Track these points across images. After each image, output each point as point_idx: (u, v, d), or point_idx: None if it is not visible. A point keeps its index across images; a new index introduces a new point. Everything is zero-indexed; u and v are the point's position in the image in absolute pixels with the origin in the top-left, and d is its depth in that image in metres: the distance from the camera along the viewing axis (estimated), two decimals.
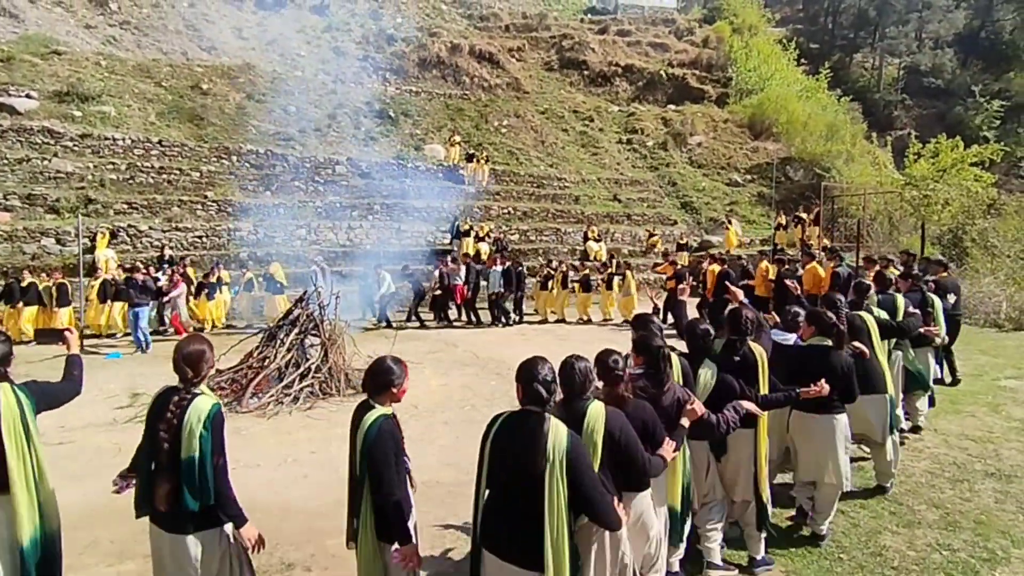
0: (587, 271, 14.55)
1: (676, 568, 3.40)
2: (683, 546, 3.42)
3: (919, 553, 3.82)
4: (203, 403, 2.56)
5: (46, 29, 20.53)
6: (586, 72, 31.34)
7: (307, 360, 7.50)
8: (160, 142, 17.34)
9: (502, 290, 13.22)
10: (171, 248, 14.60)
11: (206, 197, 16.45)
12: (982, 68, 38.49)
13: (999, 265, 14.78)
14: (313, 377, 7.37)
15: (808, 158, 25.97)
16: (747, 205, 24.58)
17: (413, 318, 13.23)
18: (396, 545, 2.61)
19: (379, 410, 2.69)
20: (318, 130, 21.14)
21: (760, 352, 3.65)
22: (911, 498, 4.57)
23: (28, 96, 16.77)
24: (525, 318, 14.04)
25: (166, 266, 13.10)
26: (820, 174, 24.28)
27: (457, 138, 22.36)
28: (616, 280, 13.93)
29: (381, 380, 2.74)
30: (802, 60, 33.87)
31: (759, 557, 3.66)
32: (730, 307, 4.14)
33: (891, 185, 22.42)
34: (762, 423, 3.56)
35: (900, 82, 38.99)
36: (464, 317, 13.61)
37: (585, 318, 14.00)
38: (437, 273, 13.64)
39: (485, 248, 17.42)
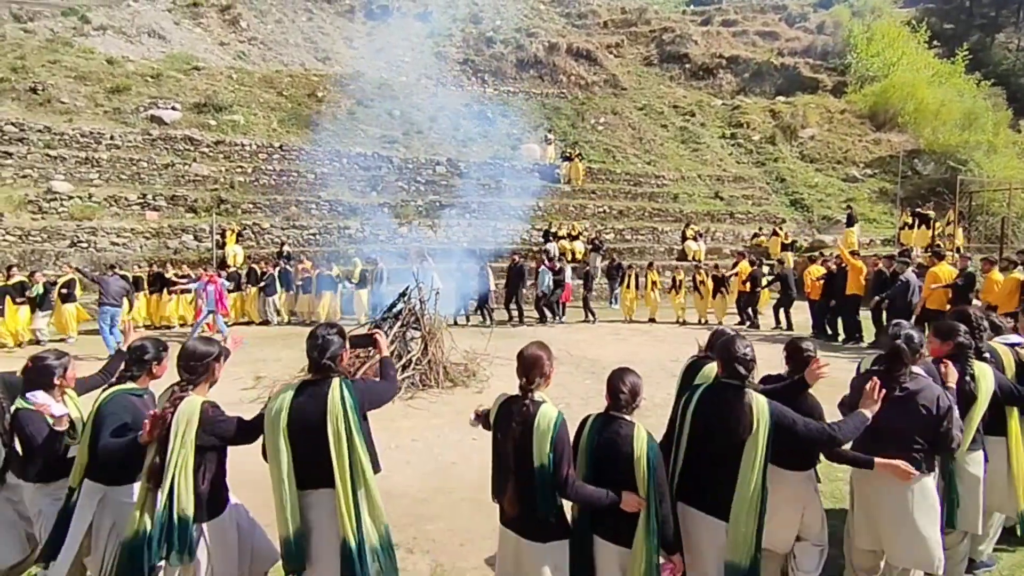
0: (700, 276, 14.05)
1: None
2: None
3: None
4: (550, 411, 2.50)
5: (188, 48, 22.94)
6: (687, 65, 30.26)
7: (408, 352, 7.85)
8: (281, 147, 18.84)
9: (550, 290, 13.33)
10: (289, 245, 15.82)
11: (319, 197, 17.66)
12: None
13: None
14: (414, 369, 7.70)
15: (940, 150, 23.44)
16: (866, 202, 22.61)
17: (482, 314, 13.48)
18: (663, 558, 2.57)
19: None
20: (420, 132, 22.02)
21: None
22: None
23: (173, 108, 18.85)
24: (609, 317, 13.85)
25: (282, 261, 14.20)
26: (955, 167, 21.81)
27: (552, 136, 22.41)
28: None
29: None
30: (934, 43, 30.59)
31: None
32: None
33: None
34: None
35: None
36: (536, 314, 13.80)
37: (681, 320, 13.62)
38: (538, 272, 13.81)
39: (580, 247, 17.36)
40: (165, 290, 12.62)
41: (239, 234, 15.53)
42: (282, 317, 13.44)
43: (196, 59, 22.22)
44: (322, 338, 2.72)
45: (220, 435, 2.66)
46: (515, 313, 13.52)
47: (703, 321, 13.38)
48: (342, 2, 28.74)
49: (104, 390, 2.97)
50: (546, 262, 13.91)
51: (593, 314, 13.73)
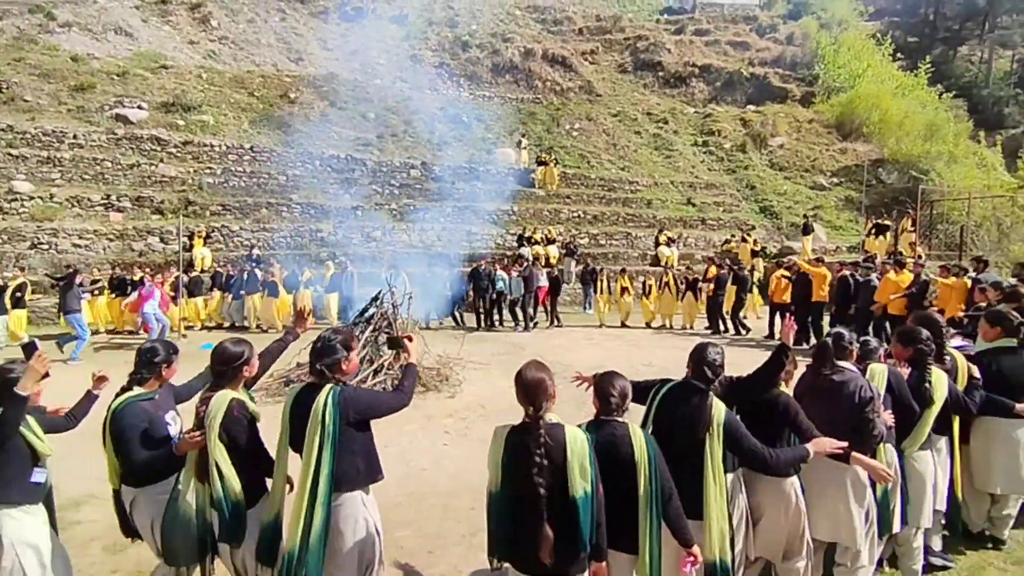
0: (666, 278, 14.24)
1: None
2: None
3: None
4: (578, 434, 2.34)
5: (156, 46, 22.42)
6: (661, 74, 30.70)
7: (380, 357, 7.74)
8: (252, 148, 18.51)
9: (521, 295, 13.25)
10: (259, 248, 15.52)
11: (291, 200, 17.39)
12: None
13: None
14: (386, 374, 7.59)
15: (903, 160, 24.18)
16: (833, 210, 23.19)
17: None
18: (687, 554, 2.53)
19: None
20: (395, 135, 21.88)
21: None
22: (1022, 533, 4.14)
23: (139, 107, 18.38)
24: (583, 322, 13.93)
25: (252, 264, 13.93)
26: (917, 177, 22.53)
27: (526, 142, 22.47)
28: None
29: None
30: (899, 55, 31.60)
31: None
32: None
33: (1001, 188, 20.52)
34: None
35: (1013, 76, 35.63)
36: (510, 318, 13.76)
37: (651, 323, 13.76)
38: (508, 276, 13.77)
39: (554, 251, 17.41)
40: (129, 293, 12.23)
41: (207, 237, 15.19)
42: (246, 323, 13.01)
43: (164, 57, 21.73)
44: (322, 343, 2.75)
45: (232, 436, 2.71)
46: (483, 317, 13.48)
47: (669, 325, 13.52)
48: (316, 3, 28.45)
49: (116, 395, 2.95)
50: (516, 266, 13.90)
51: (558, 319, 13.71)
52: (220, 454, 2.67)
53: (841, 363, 3.23)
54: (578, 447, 2.27)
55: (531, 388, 2.33)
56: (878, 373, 3.35)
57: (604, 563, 2.39)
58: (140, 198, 15.75)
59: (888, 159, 24.80)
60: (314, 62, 25.63)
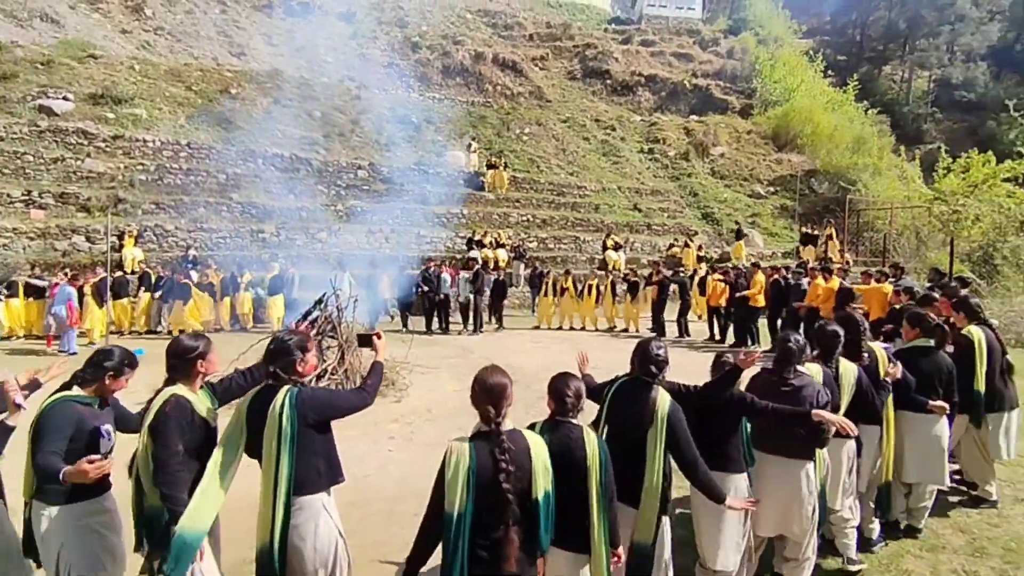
0: (595, 280, 14.52)
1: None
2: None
3: None
4: (535, 437, 2.34)
5: (84, 34, 21.18)
6: (609, 81, 31.36)
7: (324, 361, 7.55)
8: (188, 144, 17.71)
9: (470, 297, 13.22)
10: (196, 249, 14.87)
11: (231, 199, 16.74)
12: (1017, 82, 37.67)
13: None
14: (330, 378, 7.41)
15: (833, 171, 25.61)
16: (769, 217, 24.28)
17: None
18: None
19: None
20: (342, 135, 21.44)
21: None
22: (936, 522, 4.43)
23: (65, 98, 17.28)
24: (533, 324, 14.05)
25: (188, 265, 13.34)
26: (845, 187, 23.90)
27: (476, 145, 22.49)
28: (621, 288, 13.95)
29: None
30: (829, 72, 33.48)
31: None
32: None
33: (919, 200, 21.99)
34: None
35: (930, 95, 38.36)
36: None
37: (593, 326, 13.95)
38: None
39: (503, 255, 17.45)
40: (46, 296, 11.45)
41: (138, 236, 14.43)
42: (170, 326, 12.35)
43: (94, 47, 20.53)
44: (276, 344, 2.69)
45: (156, 438, 2.52)
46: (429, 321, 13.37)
47: (612, 327, 13.76)
48: None
49: (52, 394, 2.69)
50: (465, 269, 13.85)
51: (500, 322, 13.71)
52: (142, 459, 2.49)
53: (799, 368, 3.35)
54: (540, 450, 2.29)
55: (494, 393, 2.28)
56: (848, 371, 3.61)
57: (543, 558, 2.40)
58: (64, 195, 14.79)
59: (820, 170, 26.19)
60: (257, 57, 24.84)
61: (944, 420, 4.21)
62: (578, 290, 14.17)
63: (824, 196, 25.01)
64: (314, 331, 7.63)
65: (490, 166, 21.21)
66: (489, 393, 2.28)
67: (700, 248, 19.26)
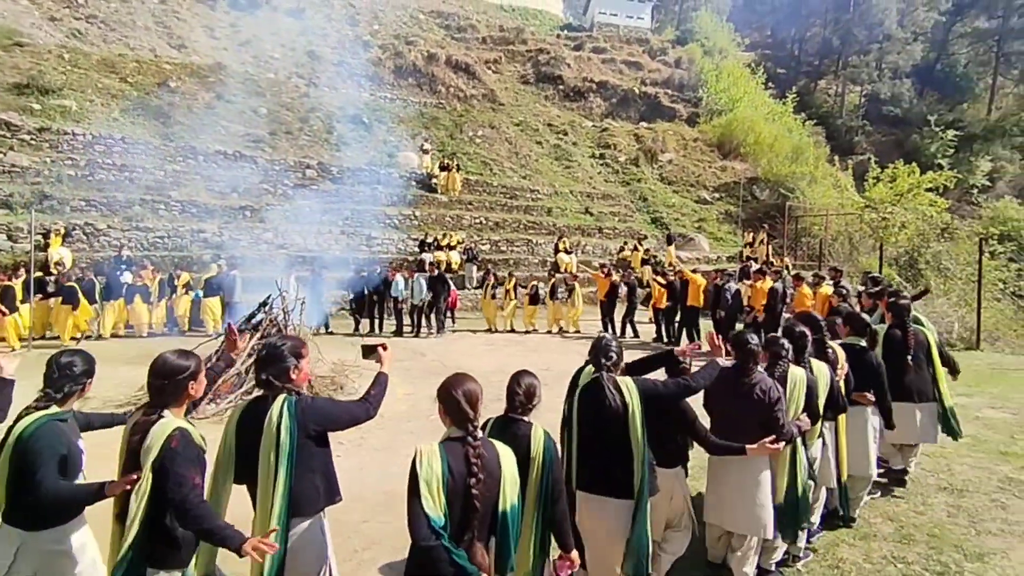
0: (536, 282, 14.64)
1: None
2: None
3: (875, 566, 3.88)
4: (504, 448, 2.29)
5: (10, 21, 19.81)
6: (561, 87, 31.71)
7: None
8: (123, 139, 16.83)
9: (428, 298, 13.10)
10: (130, 248, 14.13)
11: (169, 197, 16.00)
12: (937, 99, 40.36)
13: (951, 287, 15.37)
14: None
15: (774, 179, 26.69)
16: (715, 222, 25.10)
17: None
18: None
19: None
20: (289, 133, 20.85)
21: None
22: (867, 511, 4.66)
23: None
24: (467, 326, 14.07)
25: (123, 266, 12.67)
26: (785, 195, 24.98)
27: (429, 146, 22.30)
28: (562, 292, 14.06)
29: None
30: (769, 84, 34.93)
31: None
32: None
33: (852, 207, 23.20)
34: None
35: (861, 109, 40.55)
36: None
37: (532, 328, 14.01)
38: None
39: (456, 257, 17.37)
40: None
41: (66, 235, 13.58)
42: (100, 330, 11.61)
43: (19, 33, 19.23)
44: (268, 350, 2.51)
45: (164, 476, 2.21)
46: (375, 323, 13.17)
47: (554, 330, 13.84)
48: None
49: (22, 415, 2.43)
50: (420, 272, 13.71)
51: (442, 325, 13.54)
52: (139, 498, 2.17)
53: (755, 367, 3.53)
54: (510, 461, 2.25)
55: (471, 400, 2.26)
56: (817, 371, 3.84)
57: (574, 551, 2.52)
58: None
59: (761, 177, 27.25)
60: (199, 50, 23.83)
61: (870, 412, 4.48)
62: (518, 293, 14.19)
63: (765, 203, 26.05)
64: (258, 334, 7.38)
65: (443, 168, 21.07)
66: (467, 400, 2.24)
67: (647, 252, 19.72)
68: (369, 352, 2.95)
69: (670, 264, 16.60)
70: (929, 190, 21.77)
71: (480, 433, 2.26)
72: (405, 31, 30.42)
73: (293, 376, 2.50)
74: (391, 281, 13.19)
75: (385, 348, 2.90)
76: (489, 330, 13.84)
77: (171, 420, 2.31)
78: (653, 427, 3.01)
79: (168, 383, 2.37)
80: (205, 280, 12.38)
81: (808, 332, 3.89)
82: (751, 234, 20.84)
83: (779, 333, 3.96)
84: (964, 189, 29.99)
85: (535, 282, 14.60)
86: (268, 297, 7.90)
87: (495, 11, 38.45)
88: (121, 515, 2.26)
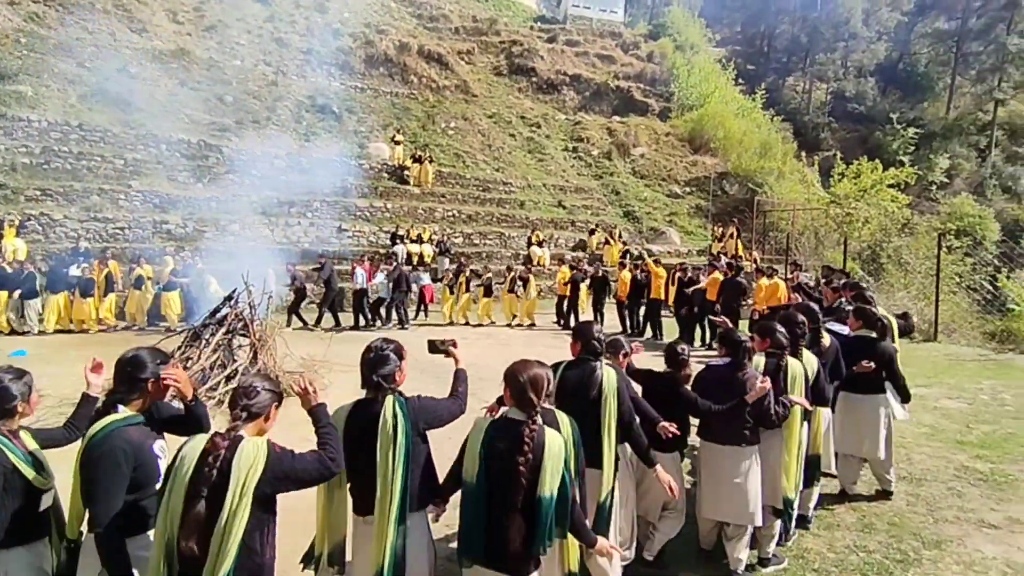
0: (490, 276, 14.60)
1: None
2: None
3: (838, 555, 3.98)
4: (554, 436, 2.41)
5: None
6: (534, 79, 31.60)
7: (235, 361, 7.12)
8: (80, 126, 16.21)
9: (388, 294, 13.00)
10: (88, 240, 13.64)
11: (130, 186, 15.48)
12: (899, 97, 41.50)
13: (911, 281, 15.84)
14: (241, 379, 7.00)
15: (743, 174, 27.11)
16: (686, 216, 25.40)
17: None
18: None
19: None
20: (256, 122, 20.34)
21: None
22: (832, 501, 4.77)
23: None
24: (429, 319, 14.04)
25: (80, 259, 12.22)
26: (753, 189, 25.41)
27: (401, 137, 22.02)
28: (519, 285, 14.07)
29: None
30: (739, 80, 35.40)
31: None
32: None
33: (817, 202, 23.72)
34: None
35: (827, 106, 41.47)
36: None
37: (488, 321, 13.99)
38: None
39: (428, 250, 17.23)
40: None
41: (20, 226, 13.05)
42: (43, 326, 11.19)
43: None
44: (375, 352, 2.61)
45: (293, 473, 2.19)
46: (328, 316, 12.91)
47: (514, 323, 13.86)
48: None
49: (94, 419, 2.35)
50: (384, 265, 13.54)
51: (406, 319, 13.39)
52: (241, 519, 2.02)
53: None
54: (555, 450, 2.35)
55: (537, 383, 2.45)
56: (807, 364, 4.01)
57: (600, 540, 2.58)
58: None
59: (731, 172, 27.65)
60: (161, 35, 22.99)
61: (884, 399, 4.76)
62: (470, 286, 14.10)
63: (735, 197, 26.45)
64: (223, 329, 7.19)
65: (415, 160, 20.84)
66: (533, 383, 2.44)
67: (608, 243, 19.93)
68: (437, 349, 3.07)
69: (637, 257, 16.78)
70: (891, 186, 22.38)
71: (539, 419, 2.41)
72: (376, 20, 29.86)
73: (398, 378, 2.63)
74: (356, 274, 13.03)
75: (455, 345, 3.06)
76: (450, 323, 13.71)
77: (257, 438, 2.19)
78: (651, 414, 3.35)
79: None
80: (168, 273, 12.02)
81: (807, 322, 4.12)
82: (720, 228, 21.23)
83: (778, 323, 4.07)
84: (924, 185, 30.98)
85: (488, 274, 14.53)
86: (234, 291, 7.70)
87: (468, 1, 38.05)
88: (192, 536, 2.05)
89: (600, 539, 2.60)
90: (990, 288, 16.01)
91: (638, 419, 3.26)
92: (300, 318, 12.58)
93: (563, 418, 2.63)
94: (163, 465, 2.37)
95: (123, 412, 2.37)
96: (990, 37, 38.90)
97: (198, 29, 24.30)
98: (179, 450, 2.12)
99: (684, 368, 3.74)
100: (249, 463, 2.05)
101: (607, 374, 3.12)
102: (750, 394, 3.36)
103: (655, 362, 4.39)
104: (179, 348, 7.32)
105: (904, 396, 4.86)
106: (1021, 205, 33.38)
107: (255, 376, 2.42)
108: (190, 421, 2.54)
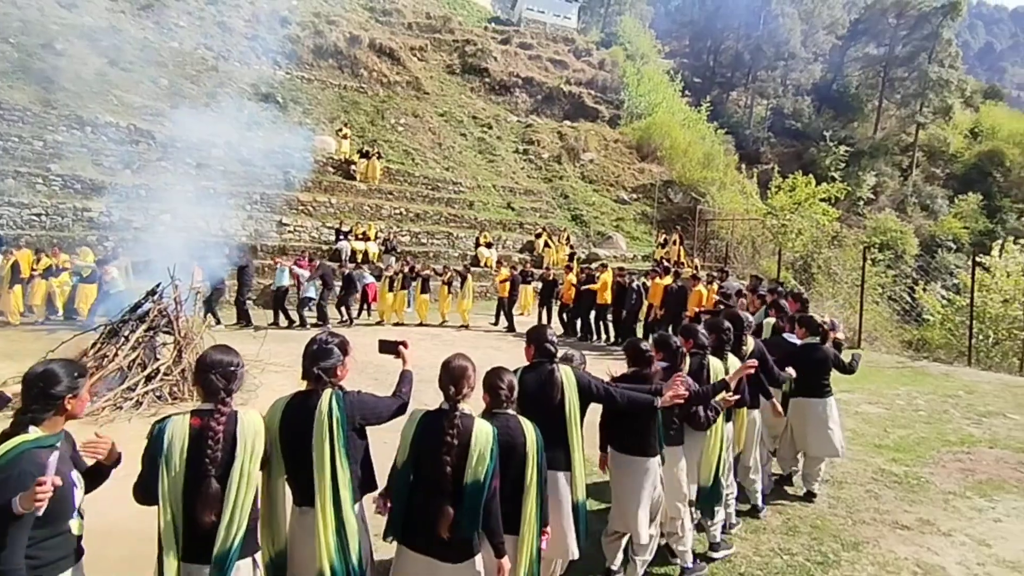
0: (428, 273, 14.45)
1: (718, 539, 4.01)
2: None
3: (763, 558, 4.08)
4: (485, 426, 2.50)
5: None
6: (487, 80, 31.54)
7: (156, 360, 6.71)
8: None
9: (313, 296, 12.69)
10: (0, 226, 12.62)
11: (49, 170, 14.43)
12: (832, 116, 43.77)
13: (839, 291, 16.68)
14: (163, 379, 6.60)
15: (687, 183, 27.89)
16: (632, 222, 25.90)
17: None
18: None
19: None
20: (194, 108, 19.35)
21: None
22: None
23: None
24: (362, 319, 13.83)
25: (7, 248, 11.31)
26: (696, 198, 26.18)
27: (348, 131, 21.49)
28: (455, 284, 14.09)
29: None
30: (686, 92, 36.45)
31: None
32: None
33: (755, 213, 24.66)
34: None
35: (767, 121, 43.30)
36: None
37: (421, 321, 13.84)
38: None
39: (374, 248, 16.87)
40: None
41: None
42: None
43: None
44: (319, 345, 2.61)
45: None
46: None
47: (443, 323, 13.73)
48: None
49: (0, 439, 2.03)
50: (311, 264, 13.14)
51: (350, 318, 13.17)
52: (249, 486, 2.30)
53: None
54: (483, 439, 2.44)
55: (455, 374, 2.53)
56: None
57: (505, 557, 2.53)
58: None
59: (676, 181, 28.41)
60: (92, 12, 21.56)
61: (829, 400, 5.06)
62: (408, 285, 13.88)
63: (679, 205, 27.19)
64: (144, 326, 6.76)
65: (363, 155, 20.37)
66: (451, 374, 2.53)
67: (569, 247, 20.06)
68: (388, 348, 3.08)
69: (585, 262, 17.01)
70: (823, 200, 23.53)
71: (464, 407, 2.50)
72: (326, 10, 29.03)
73: (339, 372, 2.62)
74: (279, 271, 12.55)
75: (406, 346, 3.08)
76: (379, 323, 13.45)
77: (251, 410, 2.43)
78: (630, 421, 3.38)
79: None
80: (87, 263, 11.26)
81: (732, 328, 4.23)
82: (664, 235, 21.74)
83: (702, 327, 4.17)
84: (852, 201, 32.76)
85: (426, 272, 14.35)
86: (158, 285, 7.25)
87: None
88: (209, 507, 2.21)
89: (503, 560, 2.54)
90: (908, 299, 17.05)
91: (628, 398, 3.23)
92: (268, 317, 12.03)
93: (527, 424, 2.68)
94: (79, 496, 2.14)
95: (35, 433, 2.07)
96: (914, 64, 41.59)
97: (133, 7, 22.95)
98: (159, 432, 2.23)
99: (651, 365, 3.61)
100: (253, 432, 2.29)
101: (565, 374, 3.14)
102: (662, 399, 3.26)
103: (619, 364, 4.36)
104: (94, 345, 6.82)
105: (850, 371, 5.33)
106: (937, 223, 35.81)
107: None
108: (92, 475, 2.29)
